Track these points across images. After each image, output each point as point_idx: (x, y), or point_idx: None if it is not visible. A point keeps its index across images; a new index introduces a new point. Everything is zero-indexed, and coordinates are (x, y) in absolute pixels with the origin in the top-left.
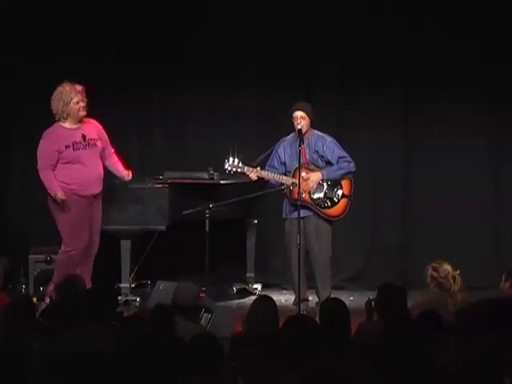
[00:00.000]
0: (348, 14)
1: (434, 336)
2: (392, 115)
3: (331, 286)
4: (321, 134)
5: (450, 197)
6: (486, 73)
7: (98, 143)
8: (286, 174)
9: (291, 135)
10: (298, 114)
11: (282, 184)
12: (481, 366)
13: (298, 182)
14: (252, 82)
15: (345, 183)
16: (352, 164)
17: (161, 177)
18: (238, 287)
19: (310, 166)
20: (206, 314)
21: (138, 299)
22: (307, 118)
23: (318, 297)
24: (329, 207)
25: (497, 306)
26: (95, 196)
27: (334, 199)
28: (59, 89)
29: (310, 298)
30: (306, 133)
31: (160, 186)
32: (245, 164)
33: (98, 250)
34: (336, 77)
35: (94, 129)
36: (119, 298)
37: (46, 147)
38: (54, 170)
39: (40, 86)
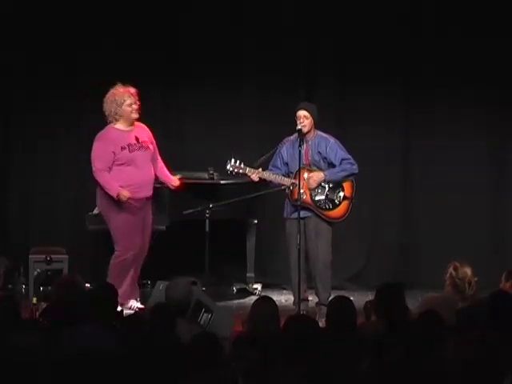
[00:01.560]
0: (348, 14)
1: (433, 336)
2: (392, 115)
3: (331, 287)
4: (324, 135)
5: (450, 197)
6: (486, 73)
7: (150, 146)
8: (288, 175)
9: (294, 135)
10: (302, 113)
11: (283, 185)
12: (481, 365)
13: (298, 182)
14: (252, 81)
15: (346, 185)
16: (355, 166)
17: None
18: (237, 287)
19: (311, 167)
20: (206, 314)
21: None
22: (310, 118)
23: (318, 297)
24: (330, 209)
25: (498, 301)
26: (147, 199)
27: (336, 201)
28: (112, 91)
29: (310, 298)
30: (309, 133)
31: (160, 185)
32: (246, 165)
33: (98, 250)
34: (336, 77)
35: (145, 132)
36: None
37: (102, 149)
38: (108, 173)
39: (40, 86)
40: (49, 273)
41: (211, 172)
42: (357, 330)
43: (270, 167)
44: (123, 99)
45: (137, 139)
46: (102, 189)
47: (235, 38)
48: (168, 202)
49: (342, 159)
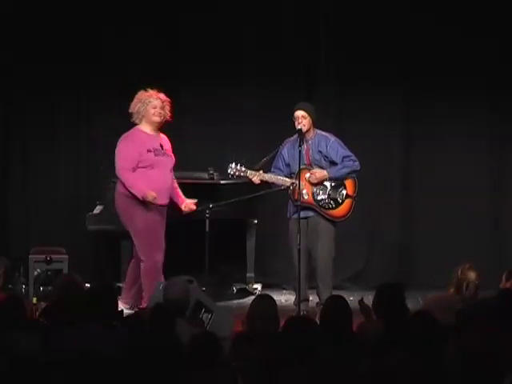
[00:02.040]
0: (348, 14)
1: (431, 336)
2: (392, 115)
3: (332, 287)
4: (324, 133)
5: (450, 197)
6: (486, 73)
7: (172, 155)
8: (290, 176)
9: (295, 136)
10: (299, 113)
11: (283, 185)
12: (481, 365)
13: (298, 182)
14: (252, 82)
15: (348, 183)
16: (356, 163)
17: None
18: (238, 287)
19: (312, 166)
20: (205, 314)
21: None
22: (308, 118)
23: (319, 297)
24: (333, 208)
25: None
26: (163, 206)
27: (338, 200)
28: (142, 91)
29: (311, 298)
30: (308, 133)
31: None
32: (247, 168)
33: (98, 250)
34: (336, 77)
35: (168, 144)
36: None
37: (128, 149)
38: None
39: (40, 86)
40: (49, 273)
41: (211, 172)
42: (356, 330)
43: (272, 169)
44: (149, 100)
45: (161, 146)
46: (123, 190)
47: (235, 38)
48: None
49: (344, 157)
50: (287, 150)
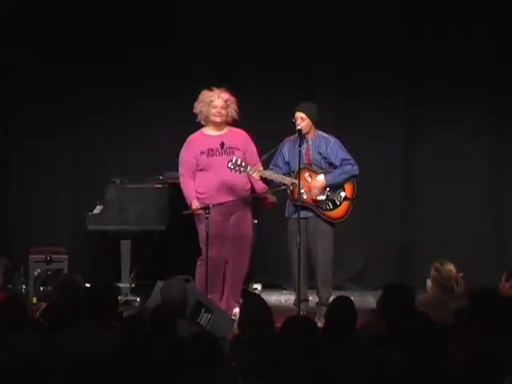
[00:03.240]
0: (349, 13)
1: (432, 335)
2: (392, 115)
3: (332, 286)
4: (325, 135)
5: (450, 197)
6: (485, 73)
7: (237, 152)
8: (289, 174)
9: (296, 135)
10: (298, 114)
11: (284, 184)
12: (481, 365)
13: (298, 182)
14: (252, 81)
15: (347, 185)
16: (355, 167)
17: (161, 177)
18: None
19: (312, 166)
20: (206, 314)
21: (137, 299)
22: (307, 120)
23: (319, 297)
24: (330, 209)
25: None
26: (234, 201)
27: (336, 201)
28: (204, 90)
29: (310, 298)
30: (308, 134)
31: (160, 185)
32: (247, 163)
33: (98, 250)
34: (336, 77)
35: (238, 139)
36: (119, 297)
37: (185, 154)
38: (193, 179)
39: (40, 86)
40: (49, 273)
41: None
42: (357, 331)
43: (271, 166)
44: (210, 99)
45: (222, 144)
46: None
47: (235, 38)
48: (168, 202)
49: (343, 159)
50: (287, 149)
